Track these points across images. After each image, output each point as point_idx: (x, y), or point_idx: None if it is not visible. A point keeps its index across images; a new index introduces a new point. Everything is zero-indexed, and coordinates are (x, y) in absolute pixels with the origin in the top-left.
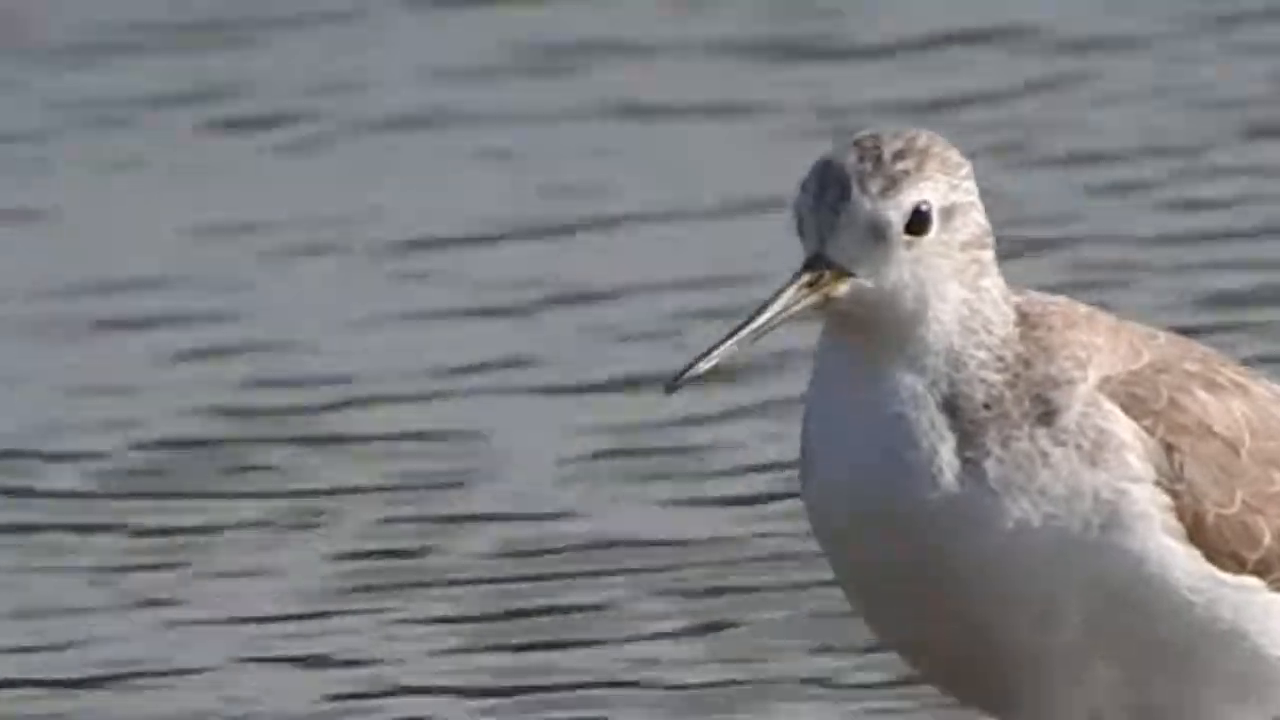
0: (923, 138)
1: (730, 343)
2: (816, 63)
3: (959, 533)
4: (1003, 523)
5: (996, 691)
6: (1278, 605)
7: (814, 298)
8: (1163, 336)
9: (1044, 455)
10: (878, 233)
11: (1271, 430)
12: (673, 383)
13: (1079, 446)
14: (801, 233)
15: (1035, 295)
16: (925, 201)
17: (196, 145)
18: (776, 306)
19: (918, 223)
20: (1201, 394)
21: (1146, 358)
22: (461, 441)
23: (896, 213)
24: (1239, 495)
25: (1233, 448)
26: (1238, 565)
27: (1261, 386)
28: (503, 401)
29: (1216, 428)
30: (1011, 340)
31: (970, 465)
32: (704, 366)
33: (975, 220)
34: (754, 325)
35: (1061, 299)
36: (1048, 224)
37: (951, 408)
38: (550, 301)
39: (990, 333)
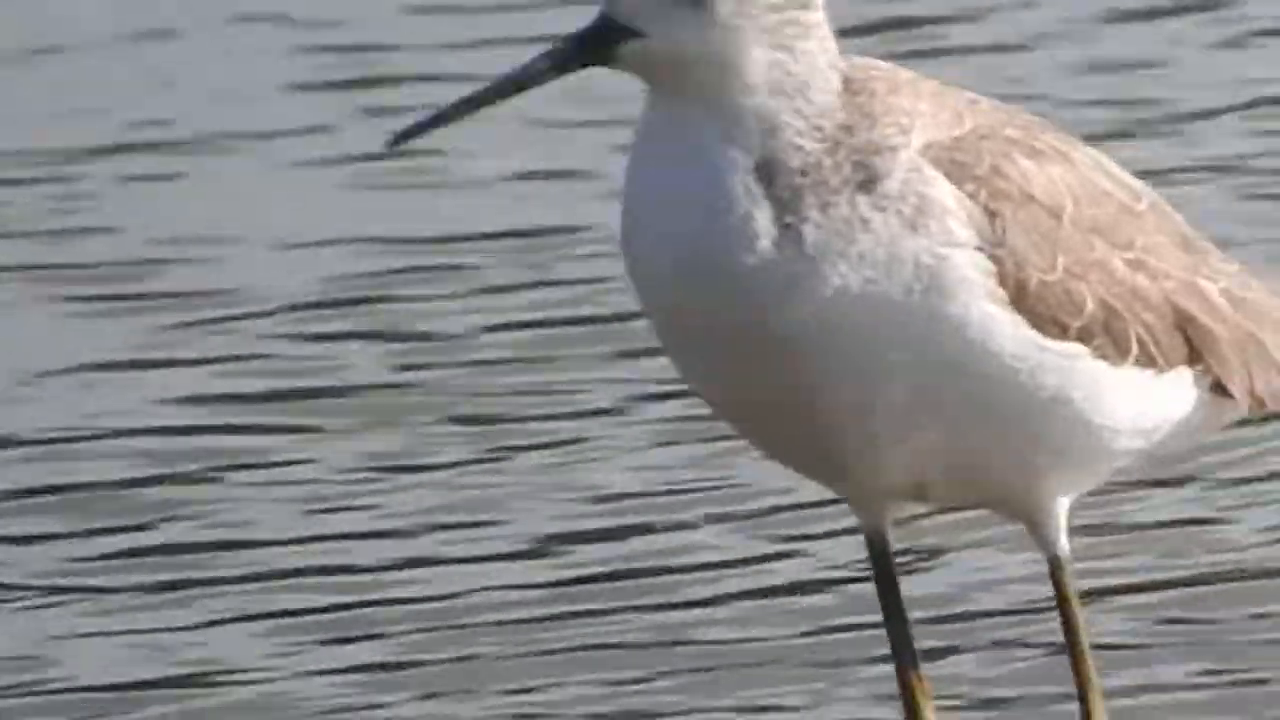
0: None
1: (472, 104)
2: None
3: (778, 298)
4: (821, 288)
5: (820, 455)
6: (1101, 372)
7: (590, 56)
8: (985, 103)
9: (864, 221)
10: None
11: (1093, 197)
12: (410, 133)
13: (900, 212)
14: None
15: (858, 60)
16: None
17: None
18: (542, 64)
19: None
20: (1023, 160)
21: (969, 124)
22: None
23: None
24: (1061, 261)
25: (1054, 214)
26: (1061, 332)
27: (1082, 154)
28: None
29: (1038, 194)
30: (832, 109)
31: (788, 231)
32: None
33: None
34: (514, 76)
35: (885, 64)
36: None
37: (767, 174)
38: None
39: (808, 99)
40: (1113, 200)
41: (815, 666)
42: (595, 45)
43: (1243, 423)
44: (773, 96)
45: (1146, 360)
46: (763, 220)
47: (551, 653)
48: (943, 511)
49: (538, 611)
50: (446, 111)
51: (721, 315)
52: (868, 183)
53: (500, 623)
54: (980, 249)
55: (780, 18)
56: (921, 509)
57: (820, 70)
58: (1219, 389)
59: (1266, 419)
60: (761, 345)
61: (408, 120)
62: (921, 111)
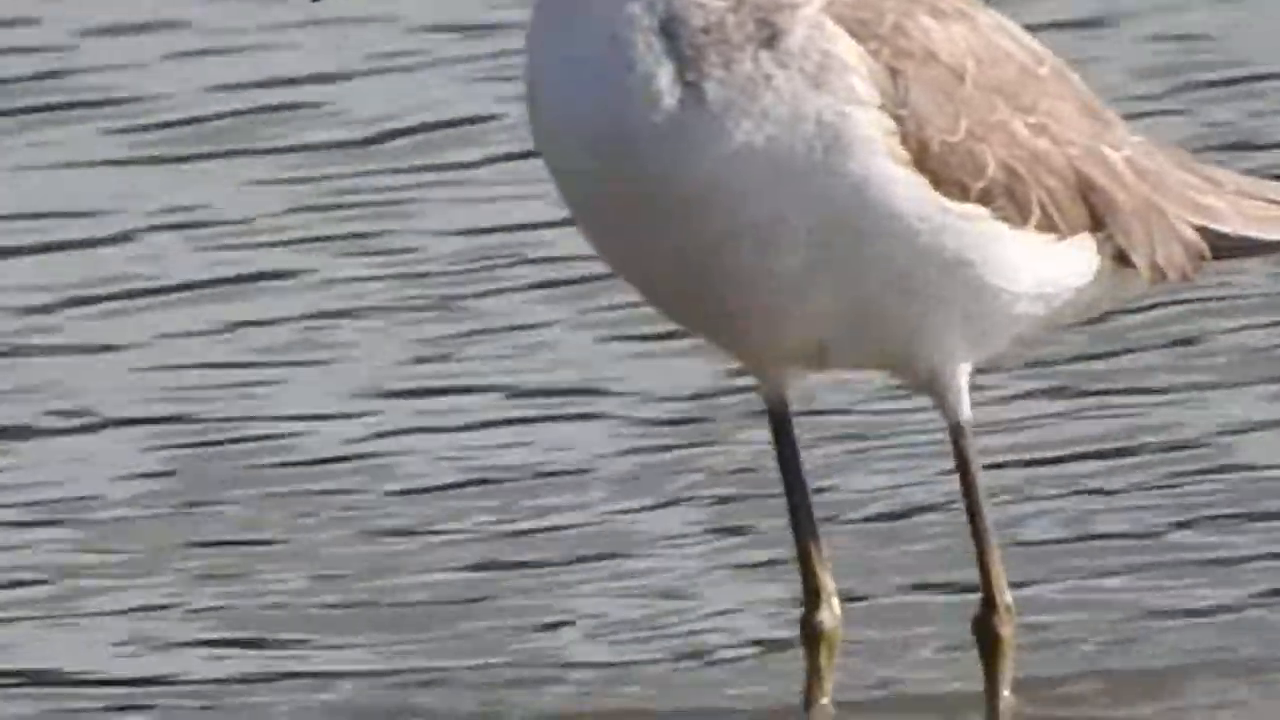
0: None
1: None
2: None
3: (681, 155)
4: (724, 144)
5: (721, 317)
6: (1002, 235)
7: None
8: None
9: (767, 78)
10: None
11: (996, 58)
12: None
13: (802, 69)
14: None
15: None
16: None
17: None
18: None
19: None
20: (926, 19)
21: None
22: None
23: None
24: (963, 123)
25: (957, 75)
26: (962, 193)
27: (986, 15)
28: None
29: (941, 54)
30: None
31: (691, 88)
32: None
33: None
34: None
35: None
36: None
37: (669, 31)
38: None
39: None
40: (1015, 62)
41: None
42: None
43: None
44: None
45: (1048, 225)
46: (665, 78)
47: None
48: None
49: None
50: None
51: (626, 174)
52: (771, 39)
53: None
54: (882, 108)
55: None
56: (823, 376)
57: None
58: (1120, 258)
59: None
60: (665, 203)
61: None
62: None
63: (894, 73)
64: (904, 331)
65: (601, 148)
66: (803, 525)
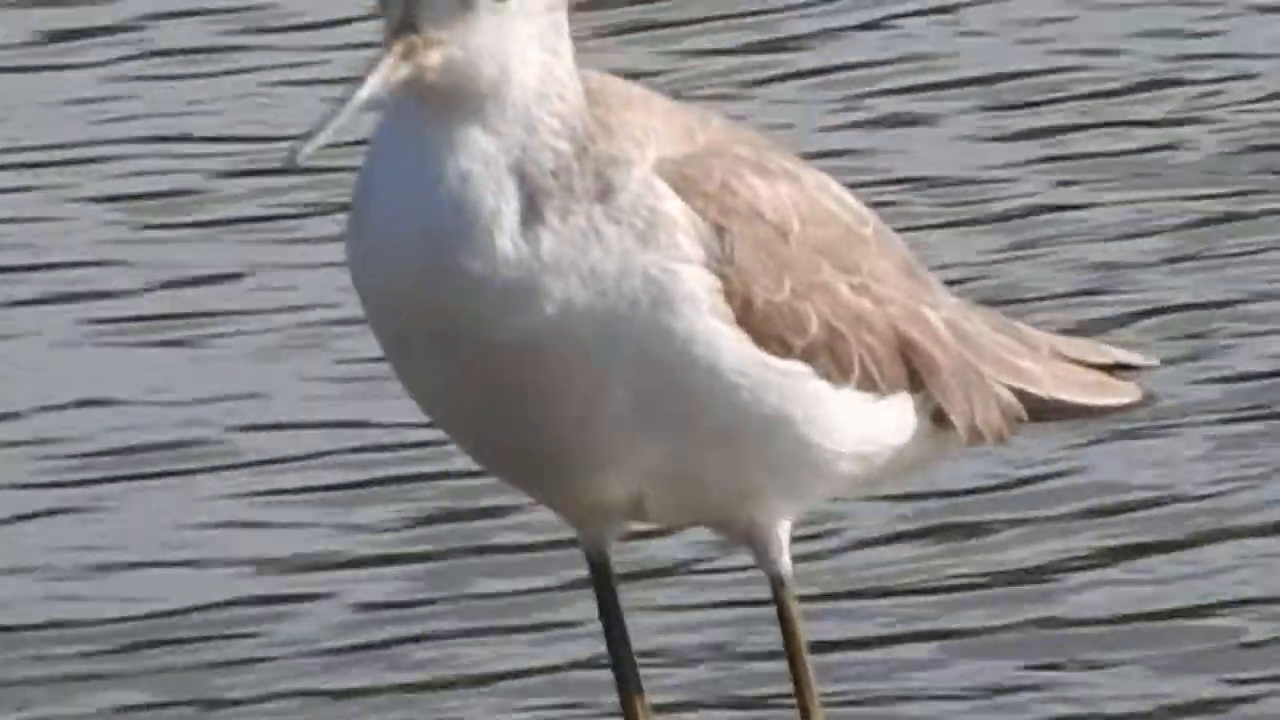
0: None
1: (337, 120)
2: None
3: (506, 302)
4: (551, 297)
5: (540, 469)
6: (823, 392)
7: (409, 66)
8: (716, 120)
9: (599, 233)
10: None
11: (820, 218)
12: (288, 160)
13: (632, 225)
14: (385, 6)
15: (589, 73)
16: None
17: None
18: (377, 77)
19: None
20: (752, 178)
21: (701, 140)
22: None
23: None
24: (787, 281)
25: (782, 233)
26: (785, 351)
27: (810, 175)
28: None
29: (766, 213)
30: (582, 111)
31: (529, 234)
32: (309, 148)
33: None
34: (355, 100)
35: (616, 79)
36: None
37: (520, 172)
38: None
39: (564, 100)
40: (839, 223)
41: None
42: (408, 54)
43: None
44: (538, 97)
45: (868, 383)
46: (509, 219)
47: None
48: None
49: None
50: (322, 128)
51: (449, 314)
52: (604, 194)
53: None
54: (708, 265)
55: (550, 18)
56: (644, 527)
57: (572, 73)
58: (939, 418)
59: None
60: (487, 350)
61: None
62: (655, 128)
63: (720, 230)
64: (724, 487)
65: (427, 283)
66: (626, 677)
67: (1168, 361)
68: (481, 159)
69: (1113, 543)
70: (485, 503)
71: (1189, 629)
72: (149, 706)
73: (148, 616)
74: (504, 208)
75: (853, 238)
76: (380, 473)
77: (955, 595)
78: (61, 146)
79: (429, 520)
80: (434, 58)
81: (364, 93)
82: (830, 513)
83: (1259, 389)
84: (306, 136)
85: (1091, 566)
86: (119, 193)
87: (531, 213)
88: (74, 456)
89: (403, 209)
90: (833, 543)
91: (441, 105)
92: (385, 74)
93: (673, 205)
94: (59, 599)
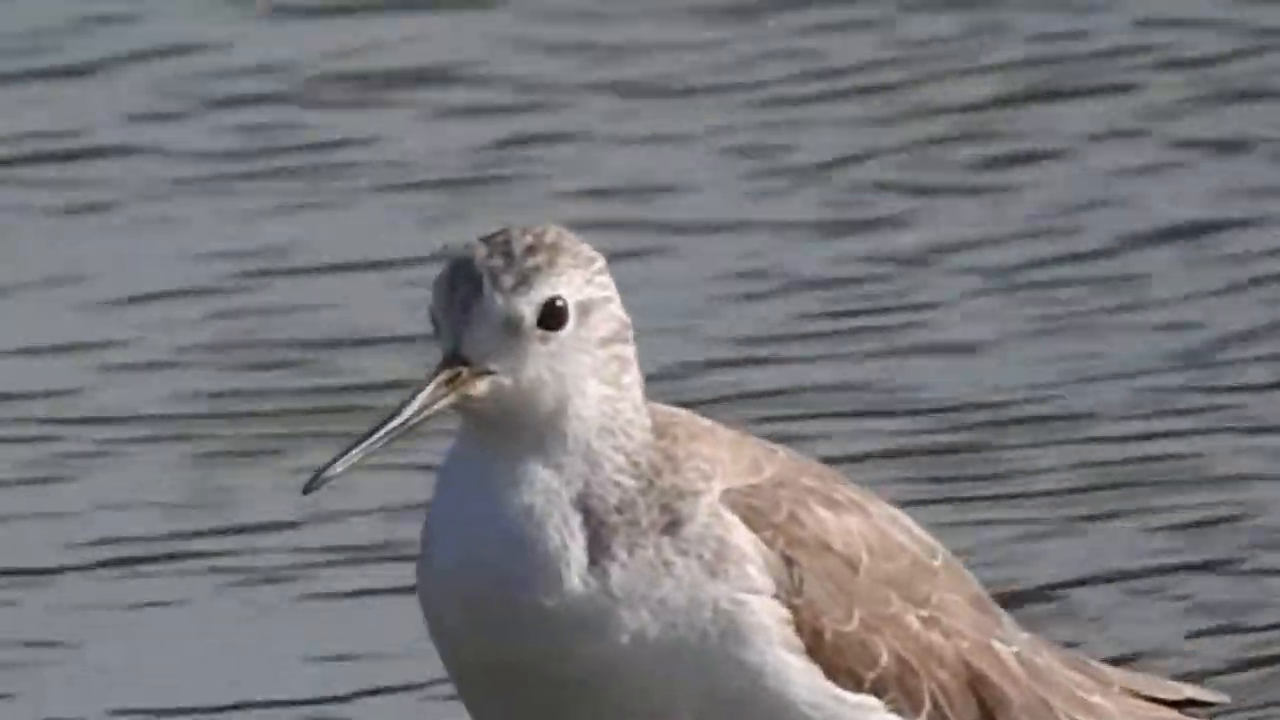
0: (551, 233)
1: (368, 444)
2: None
3: (576, 637)
4: (622, 630)
5: None
6: None
7: (453, 396)
8: (782, 451)
9: (667, 565)
10: (511, 328)
11: (888, 550)
12: (310, 484)
13: (700, 556)
14: (437, 332)
15: (657, 406)
16: (559, 296)
17: None
18: (415, 405)
19: (552, 317)
20: (820, 510)
21: (767, 472)
22: None
23: (529, 307)
24: (857, 613)
25: (850, 565)
26: (855, 684)
27: (877, 506)
28: None
29: (835, 544)
30: (648, 446)
31: (596, 569)
32: (340, 468)
33: (614, 315)
34: (392, 425)
35: (683, 412)
36: None
37: (585, 507)
38: None
39: (629, 436)
40: (908, 554)
41: None
42: (453, 382)
43: None
44: (600, 431)
45: (939, 717)
46: (575, 555)
47: None
48: None
49: None
50: (355, 448)
51: (518, 648)
52: (672, 526)
53: None
54: (777, 596)
55: (609, 352)
56: None
57: (639, 408)
58: None
59: None
60: (555, 683)
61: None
62: (721, 458)
63: (789, 561)
64: None
65: (498, 614)
66: None
67: None
68: (544, 492)
69: None
70: None
71: None
72: None
73: None
74: (570, 543)
75: (922, 570)
76: None
77: None
78: None
79: None
80: (480, 387)
81: (403, 417)
82: None
83: None
84: (331, 464)
85: None
86: None
87: (598, 548)
88: None
89: (464, 547)
90: None
91: (500, 436)
92: (424, 401)
93: (741, 536)
94: None
